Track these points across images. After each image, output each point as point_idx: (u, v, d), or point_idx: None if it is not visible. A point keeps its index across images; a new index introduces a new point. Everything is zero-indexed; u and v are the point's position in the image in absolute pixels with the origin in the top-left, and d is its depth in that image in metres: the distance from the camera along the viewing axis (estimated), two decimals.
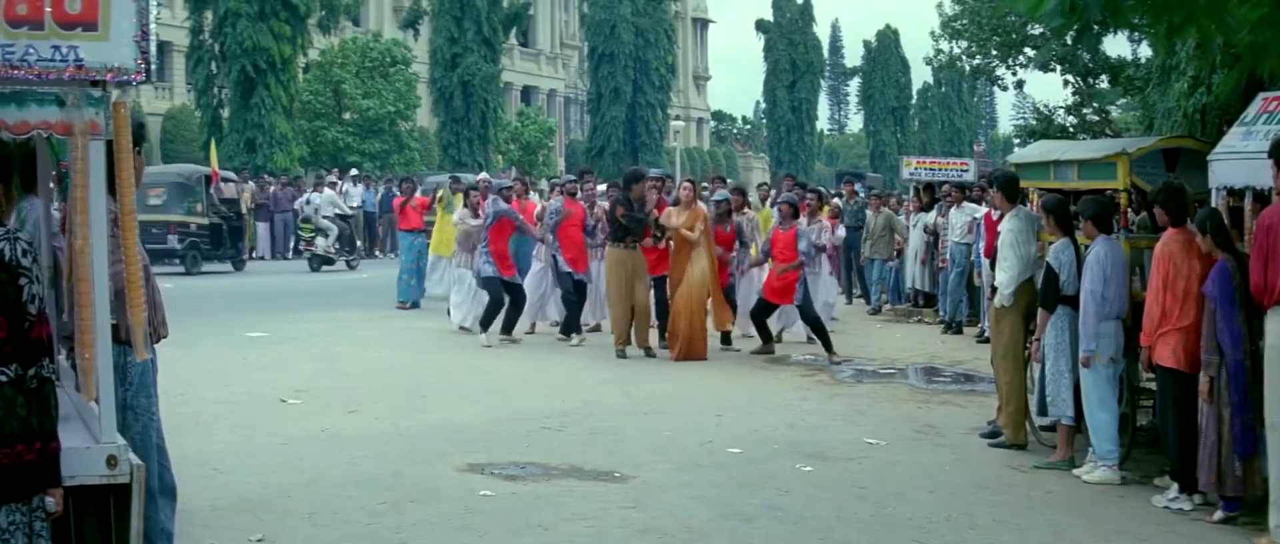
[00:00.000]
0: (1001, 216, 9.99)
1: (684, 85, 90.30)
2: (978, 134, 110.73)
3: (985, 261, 15.96)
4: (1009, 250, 9.54)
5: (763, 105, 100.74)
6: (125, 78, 3.87)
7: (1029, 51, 30.18)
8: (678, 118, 74.02)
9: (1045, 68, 28.34)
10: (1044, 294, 8.98)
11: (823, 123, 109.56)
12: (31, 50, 3.79)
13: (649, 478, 8.43)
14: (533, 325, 16.02)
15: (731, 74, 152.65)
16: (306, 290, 22.17)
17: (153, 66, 3.89)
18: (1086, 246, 8.78)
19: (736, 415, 10.76)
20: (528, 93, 78.75)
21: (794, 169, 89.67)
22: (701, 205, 14.45)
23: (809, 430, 10.26)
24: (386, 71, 47.92)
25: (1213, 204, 8.14)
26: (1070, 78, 30.01)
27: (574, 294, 15.32)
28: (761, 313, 14.72)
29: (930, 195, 20.34)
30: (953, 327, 17.65)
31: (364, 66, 47.29)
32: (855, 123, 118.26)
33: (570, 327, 15.34)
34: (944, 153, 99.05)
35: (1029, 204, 10.25)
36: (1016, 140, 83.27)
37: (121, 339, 4.69)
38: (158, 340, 5.33)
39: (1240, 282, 7.47)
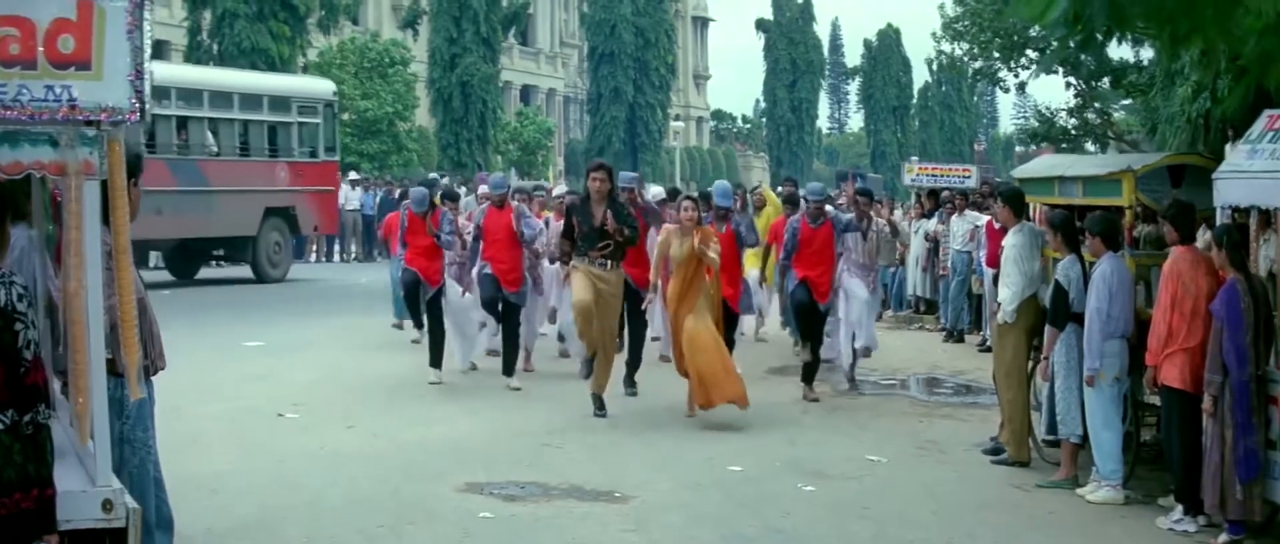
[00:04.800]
0: (1005, 229, 9.93)
1: (684, 84, 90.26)
2: (978, 133, 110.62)
3: (987, 271, 15.94)
4: (1012, 266, 9.49)
5: (762, 104, 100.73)
6: (120, 117, 3.81)
7: (1031, 53, 30.14)
8: (677, 117, 74.00)
9: (1047, 72, 28.31)
10: (1053, 311, 8.90)
11: (823, 121, 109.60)
12: (24, 90, 3.72)
13: (649, 498, 8.37)
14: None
15: (731, 72, 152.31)
16: (306, 296, 22.06)
17: (148, 106, 3.82)
18: (1092, 263, 8.73)
19: (737, 430, 10.68)
20: (527, 92, 78.66)
21: (793, 169, 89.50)
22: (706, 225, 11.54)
23: (810, 446, 10.20)
24: (385, 72, 47.81)
25: (1219, 222, 8.06)
26: (1072, 80, 29.95)
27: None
28: (810, 317, 12.12)
29: (933, 202, 20.29)
30: (954, 335, 17.59)
31: (362, 67, 47.18)
32: (856, 121, 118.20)
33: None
34: (945, 152, 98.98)
35: (1033, 217, 10.19)
36: (1017, 141, 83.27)
37: (118, 372, 4.64)
38: (155, 373, 5.27)
39: (1250, 302, 7.41)
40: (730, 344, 11.63)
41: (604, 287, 10.82)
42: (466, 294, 13.19)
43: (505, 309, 12.50)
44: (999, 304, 9.68)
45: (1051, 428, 9.15)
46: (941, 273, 18.37)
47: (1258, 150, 7.85)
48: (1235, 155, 8.04)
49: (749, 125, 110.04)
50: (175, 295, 21.32)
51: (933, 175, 21.46)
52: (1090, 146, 35.48)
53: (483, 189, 15.59)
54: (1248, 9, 9.76)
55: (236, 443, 9.83)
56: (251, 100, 23.92)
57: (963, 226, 17.31)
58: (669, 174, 66.55)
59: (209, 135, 23.12)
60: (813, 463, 9.56)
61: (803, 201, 12.86)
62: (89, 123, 3.82)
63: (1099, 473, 8.65)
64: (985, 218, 16.83)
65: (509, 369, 12.46)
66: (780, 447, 10.16)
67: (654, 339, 13.68)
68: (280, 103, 24.40)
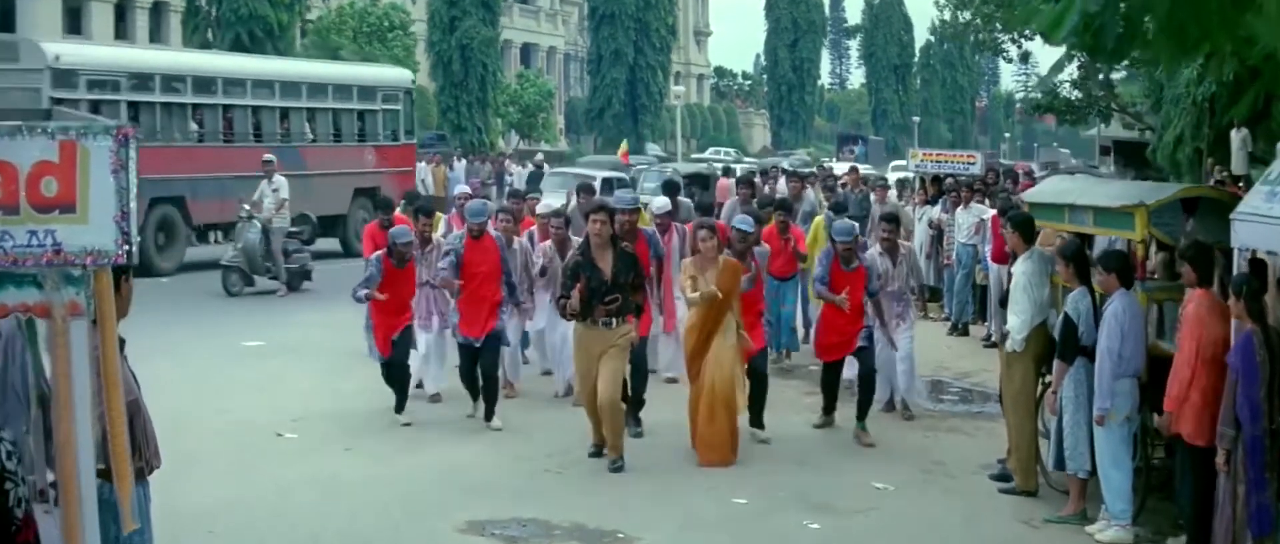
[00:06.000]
0: (1014, 256, 9.77)
1: (684, 41, 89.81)
2: (980, 91, 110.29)
3: (992, 266, 15.80)
4: (1021, 294, 9.32)
5: (763, 60, 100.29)
6: (105, 261, 3.65)
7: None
8: (678, 76, 73.64)
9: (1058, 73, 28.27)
10: (1062, 345, 8.73)
11: (824, 78, 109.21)
12: (7, 236, 3.58)
13: (653, 540, 8.25)
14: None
15: (732, 26, 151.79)
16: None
17: (134, 247, 3.67)
18: (1102, 296, 8.57)
19: (742, 450, 10.41)
20: (527, 51, 78.27)
21: (795, 130, 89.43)
22: (729, 255, 10.29)
23: (816, 471, 10.06)
24: (384, 36, 47.52)
25: (1236, 264, 7.91)
26: (1075, 52, 29.76)
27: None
28: (832, 380, 11.43)
29: (937, 187, 20.13)
30: (958, 328, 17.47)
31: (361, 31, 46.88)
32: (857, 77, 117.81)
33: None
34: (946, 110, 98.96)
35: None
36: (1018, 99, 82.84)
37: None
38: (150, 472, 5.14)
39: (1265, 355, 7.26)
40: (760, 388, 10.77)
41: (608, 352, 9.76)
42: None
43: (481, 348, 11.09)
44: (1006, 332, 9.53)
45: (1059, 462, 9.00)
46: (945, 262, 18.21)
47: (1277, 193, 7.66)
48: (1254, 197, 7.84)
49: (750, 82, 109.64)
50: (182, 281, 21.20)
51: (936, 162, 21.30)
52: (1093, 118, 35.39)
53: (460, 188, 14.68)
54: (1259, 11, 9.64)
55: (235, 468, 9.69)
56: (343, 90, 26.21)
57: (968, 219, 17.14)
58: (670, 132, 66.31)
59: (306, 124, 25.32)
60: (819, 492, 9.43)
61: (830, 241, 11.25)
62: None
63: (1108, 511, 8.53)
64: (991, 211, 16.69)
65: (490, 413, 11.14)
66: (786, 470, 10.02)
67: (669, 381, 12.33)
68: (367, 92, 26.66)
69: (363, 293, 11.03)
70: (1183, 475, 7.95)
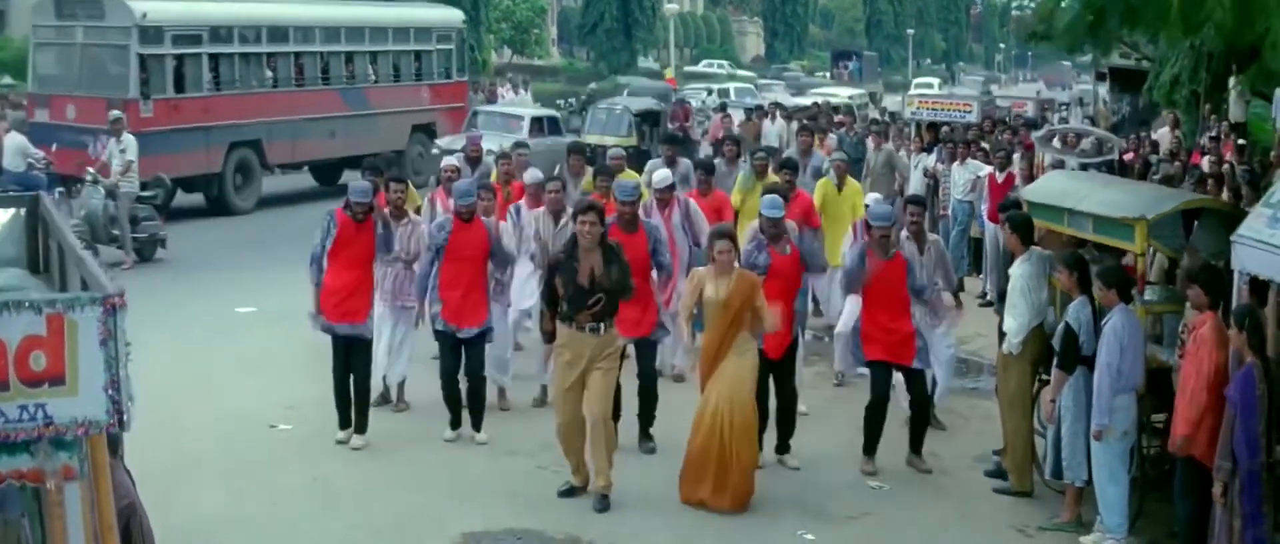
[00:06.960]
0: (1011, 256, 9.72)
1: None
2: (975, 1, 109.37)
3: (988, 225, 15.77)
4: (1019, 297, 9.27)
5: None
6: (97, 430, 3.61)
7: None
8: None
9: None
10: (1062, 355, 8.68)
11: None
12: None
13: None
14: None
15: None
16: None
17: (127, 416, 3.62)
18: (1102, 308, 8.53)
19: None
20: None
21: (788, 40, 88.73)
22: (746, 270, 9.19)
23: (811, 469, 9.98)
24: None
25: (1237, 286, 7.86)
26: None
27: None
28: (876, 400, 9.96)
29: (933, 134, 20.04)
30: None
31: None
32: None
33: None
34: (940, 20, 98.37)
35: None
36: (1015, 7, 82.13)
37: None
38: None
39: (1265, 388, 7.23)
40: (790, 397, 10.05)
41: (594, 366, 8.79)
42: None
43: (467, 348, 10.26)
44: (1004, 334, 9.51)
45: (1057, 471, 9.00)
46: (941, 214, 18.15)
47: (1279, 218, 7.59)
48: (1256, 220, 7.75)
49: None
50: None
51: (933, 109, 21.20)
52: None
53: (449, 161, 13.61)
54: None
55: (228, 473, 9.53)
56: (401, 33, 27.49)
57: (964, 176, 17.10)
58: (663, 42, 65.74)
59: (369, 66, 26.69)
60: (814, 496, 9.44)
61: (865, 228, 10.35)
62: None
63: (1103, 524, 8.56)
64: (987, 168, 16.64)
65: (477, 422, 10.43)
66: (780, 469, 9.99)
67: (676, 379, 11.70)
68: (423, 33, 28.01)
69: (325, 263, 10.13)
70: (1183, 493, 7.97)
